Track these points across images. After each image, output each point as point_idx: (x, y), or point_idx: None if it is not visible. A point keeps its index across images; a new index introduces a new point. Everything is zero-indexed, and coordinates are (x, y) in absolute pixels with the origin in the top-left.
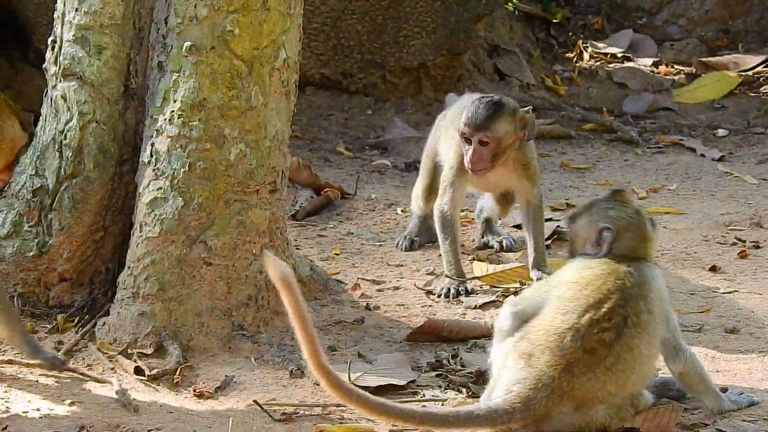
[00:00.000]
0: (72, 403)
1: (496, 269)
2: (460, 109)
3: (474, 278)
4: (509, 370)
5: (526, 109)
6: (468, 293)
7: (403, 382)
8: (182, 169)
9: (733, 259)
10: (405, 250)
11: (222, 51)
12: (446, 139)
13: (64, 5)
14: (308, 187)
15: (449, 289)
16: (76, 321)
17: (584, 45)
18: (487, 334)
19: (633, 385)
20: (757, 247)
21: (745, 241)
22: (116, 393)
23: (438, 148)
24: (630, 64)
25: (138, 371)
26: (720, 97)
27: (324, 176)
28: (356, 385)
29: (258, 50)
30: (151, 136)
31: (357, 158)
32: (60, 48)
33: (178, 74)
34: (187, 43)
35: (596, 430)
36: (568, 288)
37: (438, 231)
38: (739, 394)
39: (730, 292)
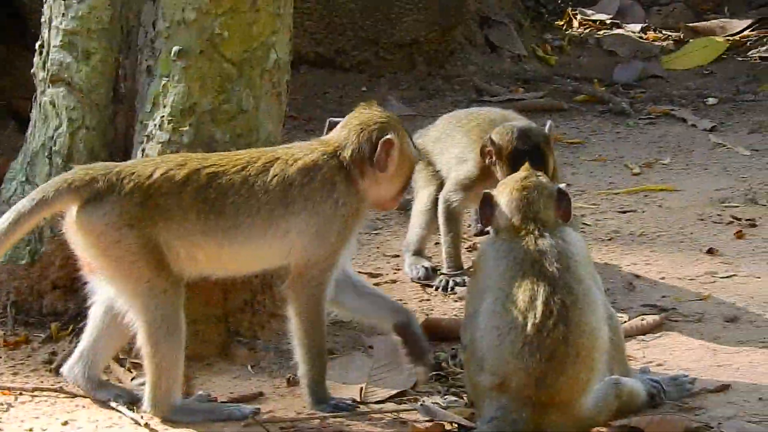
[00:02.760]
0: (65, 423)
1: None
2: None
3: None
4: (486, 402)
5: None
6: (465, 284)
7: (402, 389)
8: None
9: (730, 239)
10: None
11: (211, 54)
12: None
13: (51, 11)
14: None
15: (447, 281)
16: (70, 329)
17: (573, 12)
18: None
19: (600, 359)
20: (753, 226)
21: (741, 219)
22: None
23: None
24: (619, 30)
25: (134, 381)
26: (708, 62)
27: None
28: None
29: (248, 53)
30: (142, 142)
31: None
32: (48, 53)
33: (167, 79)
34: (176, 47)
35: (591, 427)
36: (497, 298)
37: (441, 223)
38: (651, 379)
39: (728, 277)
